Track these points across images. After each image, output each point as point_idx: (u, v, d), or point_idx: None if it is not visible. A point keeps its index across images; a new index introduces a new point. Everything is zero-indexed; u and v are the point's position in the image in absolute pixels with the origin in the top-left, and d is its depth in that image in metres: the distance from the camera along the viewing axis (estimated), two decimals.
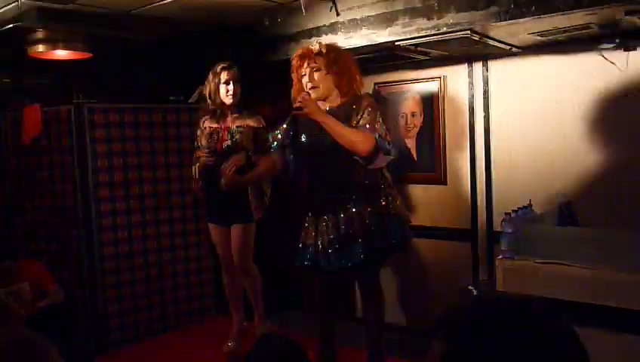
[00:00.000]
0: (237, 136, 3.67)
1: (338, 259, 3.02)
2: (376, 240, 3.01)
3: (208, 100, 3.71)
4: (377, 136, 2.95)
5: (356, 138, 2.93)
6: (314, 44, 3.15)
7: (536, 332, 0.80)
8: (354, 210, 3.03)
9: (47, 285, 3.89)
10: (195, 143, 3.86)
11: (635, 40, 3.01)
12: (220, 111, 3.70)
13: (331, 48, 3.12)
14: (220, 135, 3.70)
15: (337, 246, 3.03)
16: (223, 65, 3.67)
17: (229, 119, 3.71)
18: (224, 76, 3.64)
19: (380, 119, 3.04)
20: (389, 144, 3.03)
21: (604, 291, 2.49)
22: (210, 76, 3.68)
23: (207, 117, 3.77)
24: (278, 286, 4.03)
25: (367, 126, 2.96)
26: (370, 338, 3.31)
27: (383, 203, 3.07)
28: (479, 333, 0.81)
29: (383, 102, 3.27)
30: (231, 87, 3.64)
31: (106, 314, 4.06)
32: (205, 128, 3.76)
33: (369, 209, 3.02)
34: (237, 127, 3.69)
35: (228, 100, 3.65)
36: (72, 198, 4.06)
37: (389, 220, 3.06)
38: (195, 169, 3.81)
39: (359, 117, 2.99)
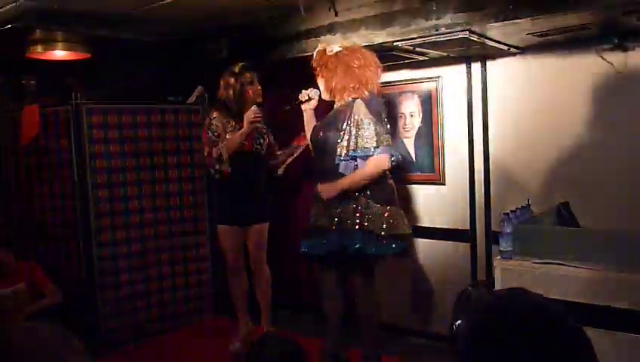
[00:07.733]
0: (268, 135, 3.82)
1: (316, 247, 3.16)
2: (346, 239, 3.05)
3: (231, 103, 3.66)
4: (385, 147, 3.03)
5: (370, 173, 3.03)
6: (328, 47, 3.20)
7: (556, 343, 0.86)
8: (338, 208, 3.10)
9: (44, 285, 3.89)
10: (210, 134, 3.66)
11: (634, 40, 3.01)
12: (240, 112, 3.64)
13: (321, 52, 3.17)
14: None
15: (315, 236, 3.18)
16: (241, 65, 3.66)
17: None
18: (248, 77, 3.65)
19: (378, 126, 3.03)
20: (389, 147, 3.09)
21: (603, 291, 2.49)
22: (231, 79, 3.65)
23: (227, 119, 3.67)
24: (278, 285, 4.03)
25: (370, 144, 2.99)
26: (364, 337, 3.29)
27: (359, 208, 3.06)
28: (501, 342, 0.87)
29: (381, 106, 3.21)
30: (257, 86, 3.67)
31: (104, 315, 4.05)
32: (229, 127, 3.66)
33: (353, 206, 3.06)
34: (263, 125, 3.77)
35: (259, 100, 3.62)
36: (70, 199, 4.06)
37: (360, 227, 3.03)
38: (225, 153, 3.58)
39: (354, 130, 3.00)
